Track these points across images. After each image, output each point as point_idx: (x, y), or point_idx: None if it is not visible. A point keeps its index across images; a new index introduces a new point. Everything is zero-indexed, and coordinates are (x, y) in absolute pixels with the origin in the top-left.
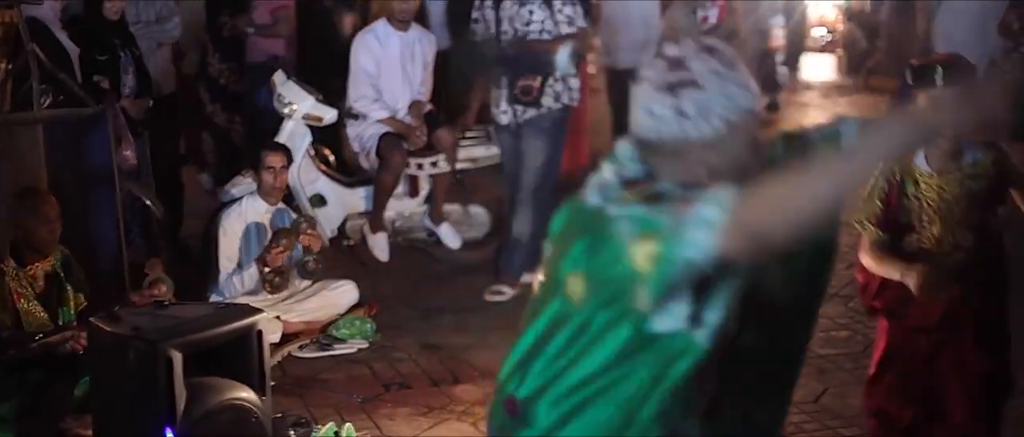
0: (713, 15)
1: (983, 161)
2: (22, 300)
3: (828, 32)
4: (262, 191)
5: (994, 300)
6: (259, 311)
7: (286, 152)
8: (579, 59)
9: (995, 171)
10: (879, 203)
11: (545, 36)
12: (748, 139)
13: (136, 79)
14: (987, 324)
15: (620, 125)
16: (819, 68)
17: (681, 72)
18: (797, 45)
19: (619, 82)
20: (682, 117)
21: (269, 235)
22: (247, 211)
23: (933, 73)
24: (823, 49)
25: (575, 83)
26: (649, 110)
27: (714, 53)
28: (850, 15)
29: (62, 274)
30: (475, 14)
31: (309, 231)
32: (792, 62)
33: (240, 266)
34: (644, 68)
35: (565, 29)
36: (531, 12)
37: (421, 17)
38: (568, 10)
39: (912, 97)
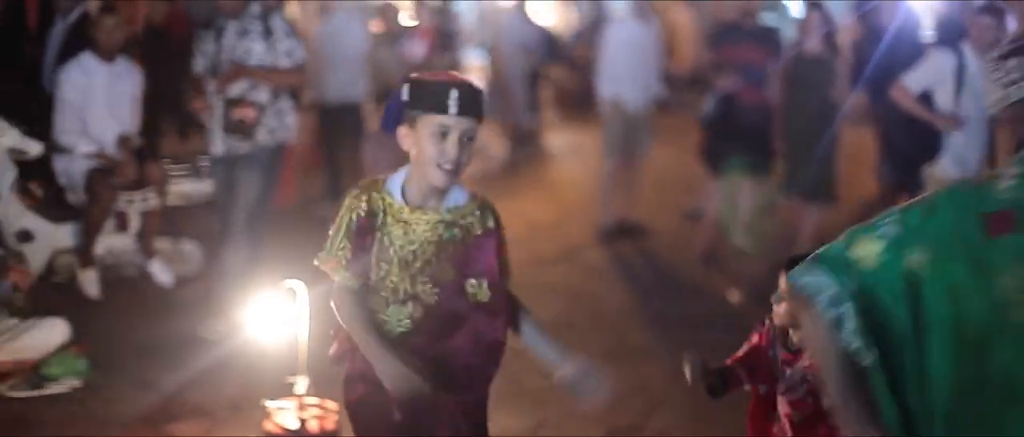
0: None
1: (467, 206)
2: None
3: None
4: None
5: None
6: None
7: None
8: (295, 93)
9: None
10: (348, 241)
11: (264, 68)
12: None
13: None
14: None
15: (332, 160)
16: None
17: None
18: None
19: (329, 118)
20: None
21: None
22: None
23: None
24: None
25: (290, 119)
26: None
27: None
28: None
29: None
30: (198, 46)
31: (16, 267)
32: None
33: None
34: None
35: (283, 62)
36: (251, 43)
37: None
38: (288, 43)
39: None
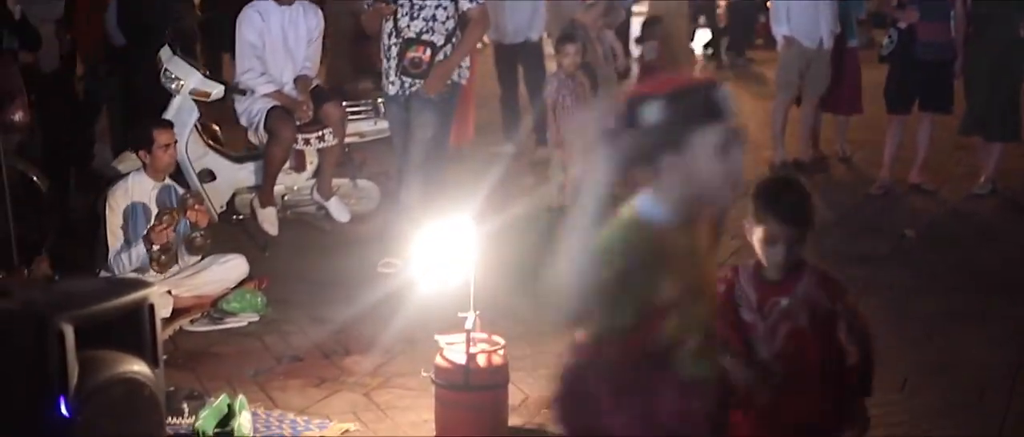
0: None
1: None
2: None
3: None
4: (150, 168)
5: None
6: (150, 285)
7: (173, 129)
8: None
9: None
10: None
11: (441, 12)
12: None
13: (20, 38)
14: None
15: (508, 100)
16: None
17: None
18: None
19: (506, 58)
20: None
21: (155, 212)
22: (133, 188)
23: None
24: None
25: (465, 59)
26: None
27: None
28: None
29: None
30: None
31: (196, 207)
32: None
33: (128, 243)
34: None
35: (464, 5)
36: None
37: None
38: None
39: None
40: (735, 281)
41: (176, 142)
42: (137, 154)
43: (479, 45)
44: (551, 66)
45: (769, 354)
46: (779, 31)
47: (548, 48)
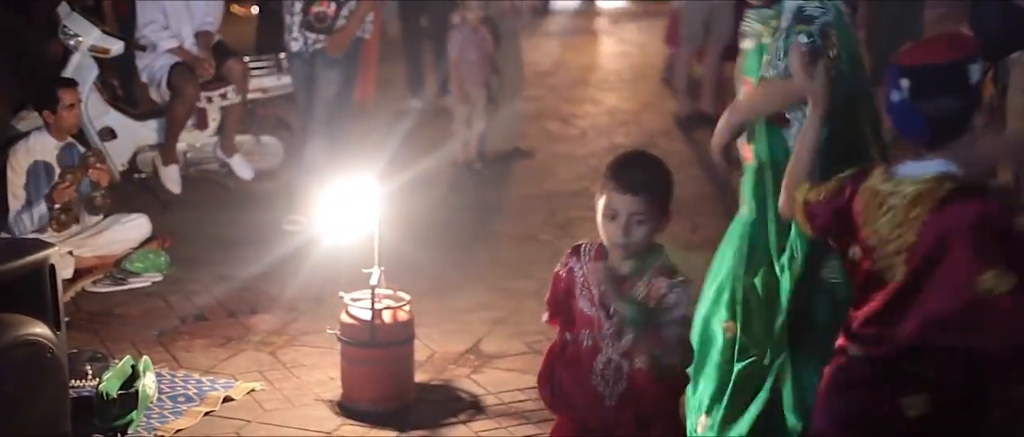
0: None
1: None
2: None
3: None
4: (54, 128)
5: None
6: (51, 245)
7: (77, 87)
8: None
9: None
10: None
11: None
12: None
13: None
14: None
15: (412, 54)
16: None
17: None
18: None
19: (410, 10)
20: None
21: (58, 171)
22: (35, 147)
23: None
24: None
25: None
26: None
27: None
28: None
29: None
30: None
31: (98, 165)
32: None
33: (30, 203)
34: None
35: None
36: None
37: None
38: None
39: None
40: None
41: (78, 102)
42: (41, 113)
43: None
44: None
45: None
46: None
47: None
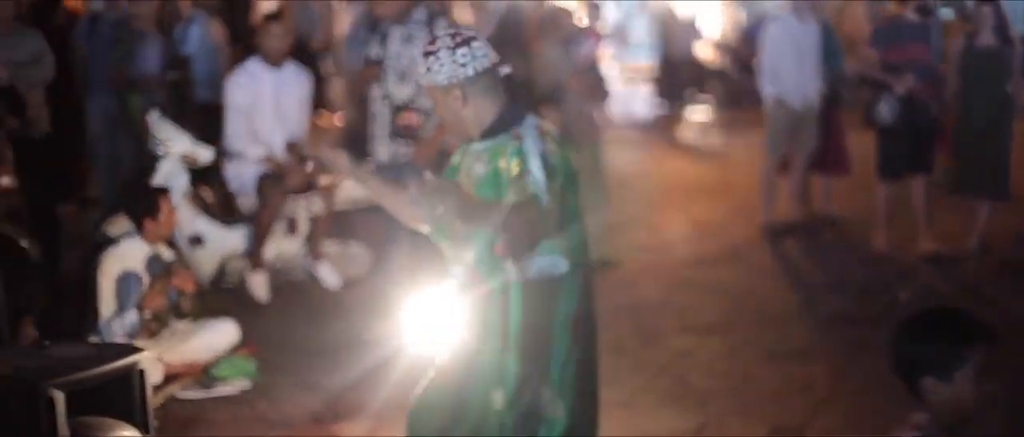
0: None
1: None
2: None
3: None
4: (151, 234)
5: None
6: (140, 350)
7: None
8: None
9: None
10: None
11: None
12: None
13: (7, 103)
14: None
15: None
16: None
17: None
18: None
19: None
20: None
21: (146, 278)
22: (125, 253)
23: None
24: None
25: None
26: None
27: None
28: None
29: None
30: (369, 50)
31: (182, 272)
32: None
33: (120, 310)
34: None
35: None
36: (417, 50)
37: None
38: None
39: None
40: None
41: (176, 208)
42: (140, 221)
43: None
44: None
45: None
46: (768, 92)
47: None
